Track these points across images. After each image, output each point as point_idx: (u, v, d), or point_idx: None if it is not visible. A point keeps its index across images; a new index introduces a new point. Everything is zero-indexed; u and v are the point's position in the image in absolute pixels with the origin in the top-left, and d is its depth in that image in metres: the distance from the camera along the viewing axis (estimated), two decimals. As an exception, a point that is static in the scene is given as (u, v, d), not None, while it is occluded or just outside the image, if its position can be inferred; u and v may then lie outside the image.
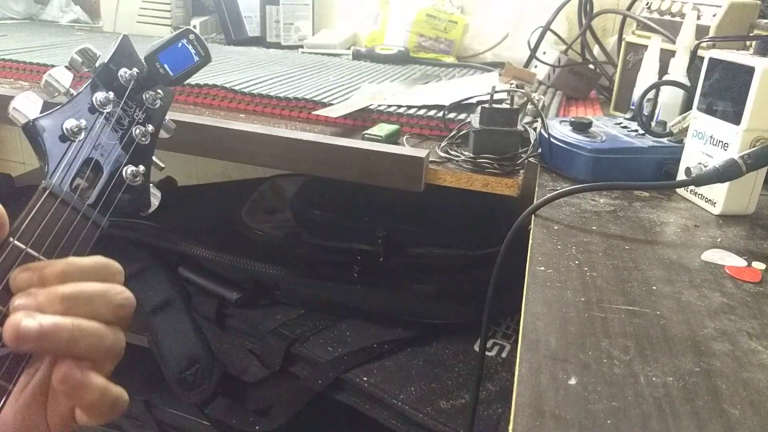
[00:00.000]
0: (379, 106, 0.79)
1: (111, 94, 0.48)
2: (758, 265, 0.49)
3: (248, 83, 0.86)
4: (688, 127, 0.63)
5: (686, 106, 0.73)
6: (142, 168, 0.49)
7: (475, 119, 0.70)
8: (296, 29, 1.30)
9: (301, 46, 1.28)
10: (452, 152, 0.70)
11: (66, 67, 0.47)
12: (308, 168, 0.72)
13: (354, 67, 1.09)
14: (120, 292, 0.38)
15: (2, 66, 0.93)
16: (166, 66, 0.52)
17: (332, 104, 0.80)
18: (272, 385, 0.94)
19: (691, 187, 0.62)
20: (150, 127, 0.51)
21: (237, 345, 0.99)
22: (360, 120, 0.79)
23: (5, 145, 1.77)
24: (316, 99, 0.81)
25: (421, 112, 0.79)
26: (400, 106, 0.80)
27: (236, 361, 0.96)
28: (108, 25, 1.37)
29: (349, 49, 1.24)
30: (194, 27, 1.34)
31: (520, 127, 0.69)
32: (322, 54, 1.22)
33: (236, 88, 0.84)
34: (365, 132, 0.73)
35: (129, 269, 1.02)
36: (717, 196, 0.59)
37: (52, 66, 0.90)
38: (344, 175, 0.70)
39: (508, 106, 0.69)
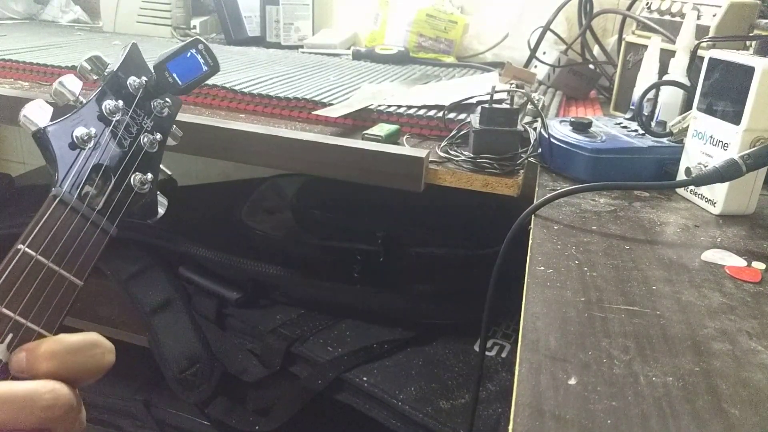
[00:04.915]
0: (379, 106, 0.79)
1: (120, 103, 0.48)
2: (758, 265, 0.49)
3: (248, 83, 0.86)
4: (688, 127, 0.63)
5: (686, 106, 0.73)
6: (149, 176, 0.50)
7: (475, 119, 0.70)
8: (296, 29, 1.30)
9: (301, 46, 1.28)
10: (452, 152, 0.70)
11: (75, 74, 0.48)
12: (308, 168, 0.72)
13: (354, 67, 1.09)
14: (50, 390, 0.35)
15: (2, 66, 0.93)
16: (174, 75, 0.53)
17: (332, 104, 0.80)
18: (272, 385, 0.94)
19: (691, 187, 0.62)
20: (158, 135, 0.51)
21: (237, 345, 0.99)
22: (360, 120, 0.79)
23: (5, 145, 1.77)
24: (316, 99, 0.81)
25: (421, 112, 0.79)
26: (400, 106, 0.80)
27: (236, 361, 0.96)
28: (108, 25, 1.37)
29: (349, 49, 1.24)
30: (194, 27, 1.34)
31: (520, 127, 0.69)
32: (322, 54, 1.22)
33: (236, 88, 0.84)
34: (365, 132, 0.73)
35: (129, 269, 1.03)
36: (717, 196, 0.59)
37: (52, 66, 0.91)
38: (344, 175, 0.70)
39: (508, 106, 0.69)
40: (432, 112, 0.79)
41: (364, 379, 0.87)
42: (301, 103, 0.81)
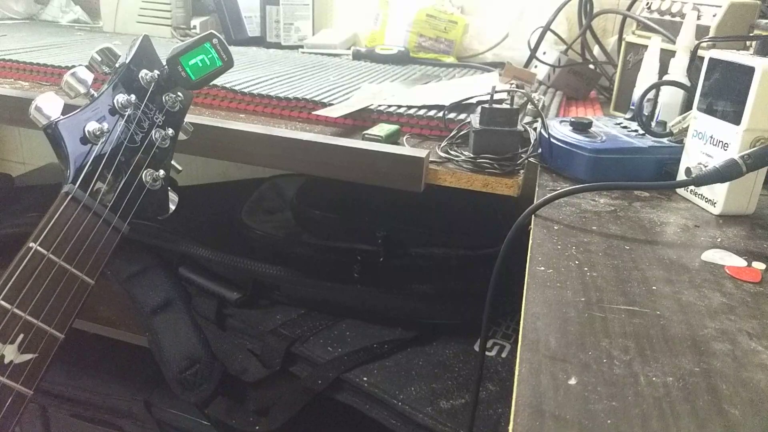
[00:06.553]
0: (379, 106, 0.79)
1: (132, 97, 0.47)
2: (758, 265, 0.49)
3: (248, 83, 0.86)
4: (688, 127, 0.63)
5: (686, 106, 0.73)
6: (161, 172, 0.49)
7: (475, 119, 0.70)
8: (296, 29, 1.30)
9: (301, 46, 1.28)
10: (452, 152, 0.70)
11: (86, 67, 0.46)
12: (308, 168, 0.72)
13: (354, 67, 1.09)
14: None
15: (2, 66, 0.93)
16: (188, 69, 0.52)
17: (332, 104, 0.80)
18: (272, 385, 0.94)
19: (691, 187, 0.62)
20: (170, 131, 0.50)
21: (237, 345, 0.99)
22: (360, 120, 0.79)
23: (5, 145, 1.77)
24: (316, 99, 0.81)
25: (421, 112, 0.79)
26: (400, 106, 0.80)
27: (236, 361, 0.96)
28: (108, 25, 1.37)
29: (349, 49, 1.24)
30: (194, 27, 1.34)
31: (520, 127, 0.69)
32: (322, 54, 1.22)
33: (236, 88, 0.84)
34: (365, 132, 0.73)
35: (129, 269, 1.03)
36: (717, 196, 0.59)
37: (52, 66, 0.91)
38: (344, 175, 0.70)
39: (508, 106, 0.69)
40: (432, 112, 0.79)
41: (364, 379, 0.87)
42: (301, 103, 0.81)
